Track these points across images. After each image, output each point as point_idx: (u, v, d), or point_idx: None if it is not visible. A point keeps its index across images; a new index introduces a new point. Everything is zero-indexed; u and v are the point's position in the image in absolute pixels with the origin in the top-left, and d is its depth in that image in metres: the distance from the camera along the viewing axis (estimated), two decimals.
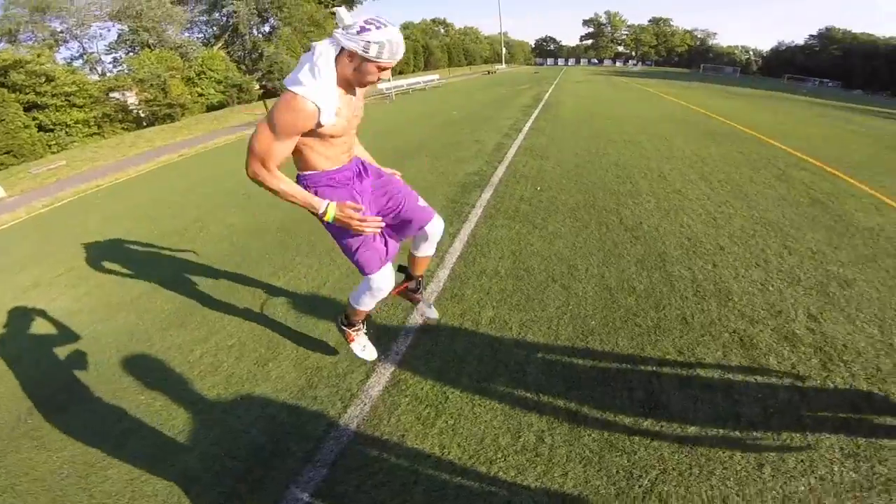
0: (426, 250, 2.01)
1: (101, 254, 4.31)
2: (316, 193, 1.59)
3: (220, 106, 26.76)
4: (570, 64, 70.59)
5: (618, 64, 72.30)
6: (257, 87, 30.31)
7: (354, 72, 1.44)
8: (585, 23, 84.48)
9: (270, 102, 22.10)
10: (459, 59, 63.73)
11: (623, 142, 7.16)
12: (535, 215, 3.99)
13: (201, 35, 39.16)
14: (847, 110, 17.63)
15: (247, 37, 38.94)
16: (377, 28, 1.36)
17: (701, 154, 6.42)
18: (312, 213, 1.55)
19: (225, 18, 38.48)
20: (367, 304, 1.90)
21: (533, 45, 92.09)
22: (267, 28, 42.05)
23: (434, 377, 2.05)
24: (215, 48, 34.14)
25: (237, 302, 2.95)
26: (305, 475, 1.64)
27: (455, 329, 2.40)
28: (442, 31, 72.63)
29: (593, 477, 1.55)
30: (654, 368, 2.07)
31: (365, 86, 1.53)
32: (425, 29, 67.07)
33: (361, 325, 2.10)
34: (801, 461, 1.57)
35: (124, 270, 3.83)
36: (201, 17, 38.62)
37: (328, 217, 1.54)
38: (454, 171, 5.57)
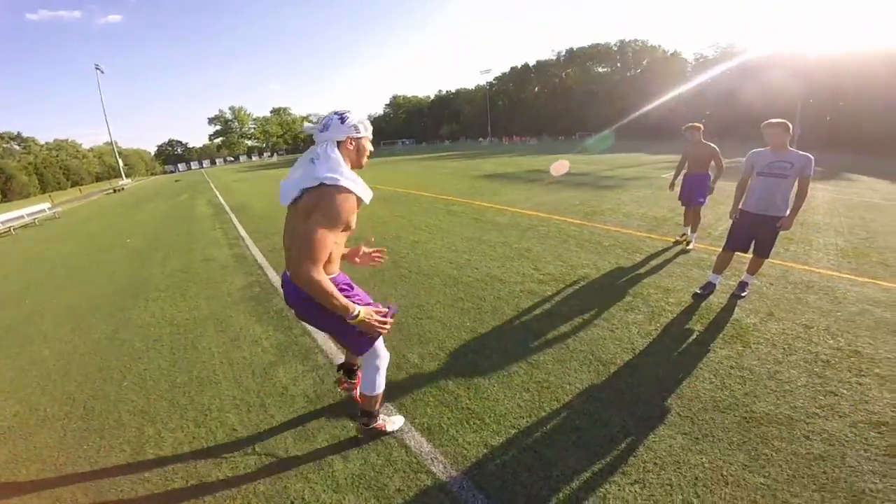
0: None
1: None
2: None
3: None
4: (205, 166, 66.33)
5: (254, 158, 73.72)
6: None
7: (357, 154, 1.68)
8: (211, 121, 79.07)
9: None
10: (59, 181, 48.67)
11: None
12: None
13: None
14: (431, 160, 26.31)
15: None
16: (349, 112, 1.64)
17: (397, 213, 8.56)
18: (340, 313, 1.60)
19: None
20: (382, 382, 1.97)
21: (155, 152, 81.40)
22: None
23: (433, 395, 2.36)
24: None
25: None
26: None
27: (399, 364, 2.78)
28: (18, 147, 54.49)
29: (568, 360, 2.63)
30: (518, 321, 3.30)
31: (364, 164, 1.73)
32: None
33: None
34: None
35: None
36: None
37: (358, 320, 1.62)
38: (224, 294, 4.71)
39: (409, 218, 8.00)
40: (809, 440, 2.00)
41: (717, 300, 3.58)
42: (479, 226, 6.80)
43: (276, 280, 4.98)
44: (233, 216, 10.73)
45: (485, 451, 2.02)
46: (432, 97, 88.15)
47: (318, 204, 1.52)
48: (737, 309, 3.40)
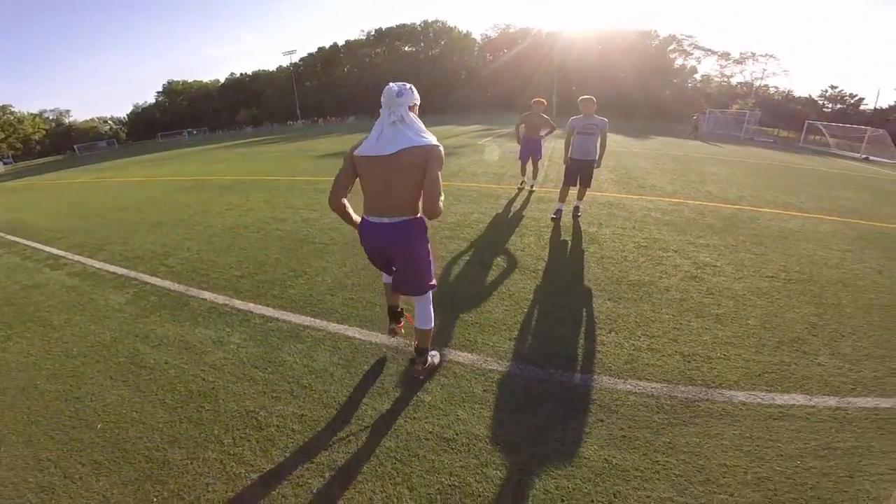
0: None
1: None
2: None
3: None
4: None
5: None
6: None
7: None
8: None
9: None
10: None
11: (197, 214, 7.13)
12: (273, 286, 4.18)
13: None
14: (243, 146, 22.97)
15: None
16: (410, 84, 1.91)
17: (260, 199, 7.76)
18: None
19: None
20: (434, 316, 2.17)
21: None
22: None
23: (445, 324, 2.71)
24: None
25: None
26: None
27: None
28: None
29: (511, 274, 3.27)
30: (458, 258, 3.89)
31: None
32: None
33: None
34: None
35: None
36: None
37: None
38: (110, 312, 3.58)
39: (282, 200, 7.38)
40: (667, 292, 3.20)
41: (567, 220, 4.98)
42: (360, 198, 6.88)
43: (165, 285, 4.14)
44: (15, 238, 7.64)
45: (512, 343, 2.62)
46: (223, 81, 74.12)
47: (430, 159, 1.85)
48: (581, 224, 4.85)
